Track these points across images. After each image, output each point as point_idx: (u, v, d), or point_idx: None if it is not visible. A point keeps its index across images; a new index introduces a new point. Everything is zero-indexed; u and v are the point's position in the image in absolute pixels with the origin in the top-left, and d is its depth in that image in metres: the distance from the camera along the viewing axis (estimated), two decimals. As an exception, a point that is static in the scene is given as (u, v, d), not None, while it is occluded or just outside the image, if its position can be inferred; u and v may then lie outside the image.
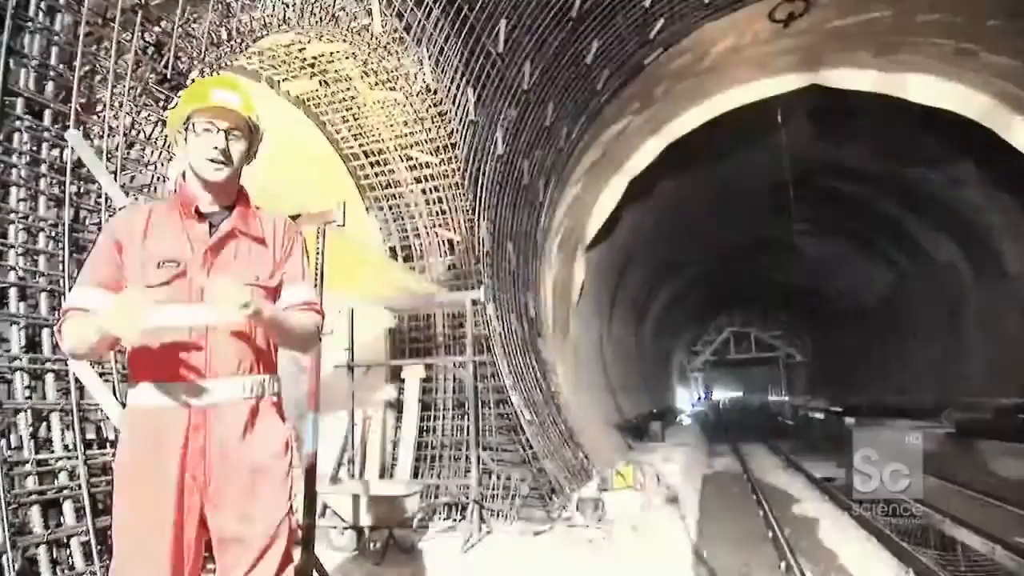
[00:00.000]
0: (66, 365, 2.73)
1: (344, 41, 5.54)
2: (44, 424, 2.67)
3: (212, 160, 1.67)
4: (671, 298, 24.53)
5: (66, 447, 2.68)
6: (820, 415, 23.79)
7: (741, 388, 47.99)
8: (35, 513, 2.48)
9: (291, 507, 1.73)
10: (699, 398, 41.82)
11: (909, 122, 11.38)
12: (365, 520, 5.14)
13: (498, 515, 6.33)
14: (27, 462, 2.52)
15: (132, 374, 1.68)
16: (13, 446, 2.53)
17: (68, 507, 2.60)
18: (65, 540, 2.55)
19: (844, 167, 14.58)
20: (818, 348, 31.91)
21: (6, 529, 2.31)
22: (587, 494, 6.68)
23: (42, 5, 2.84)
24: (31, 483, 2.52)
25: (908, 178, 13.89)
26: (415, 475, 6.88)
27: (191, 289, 1.65)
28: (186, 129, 1.71)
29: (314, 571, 3.72)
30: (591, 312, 14.22)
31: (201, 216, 1.72)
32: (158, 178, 3.51)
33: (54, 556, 2.50)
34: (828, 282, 23.59)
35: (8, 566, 2.28)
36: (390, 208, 7.37)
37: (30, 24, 2.76)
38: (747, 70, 10.79)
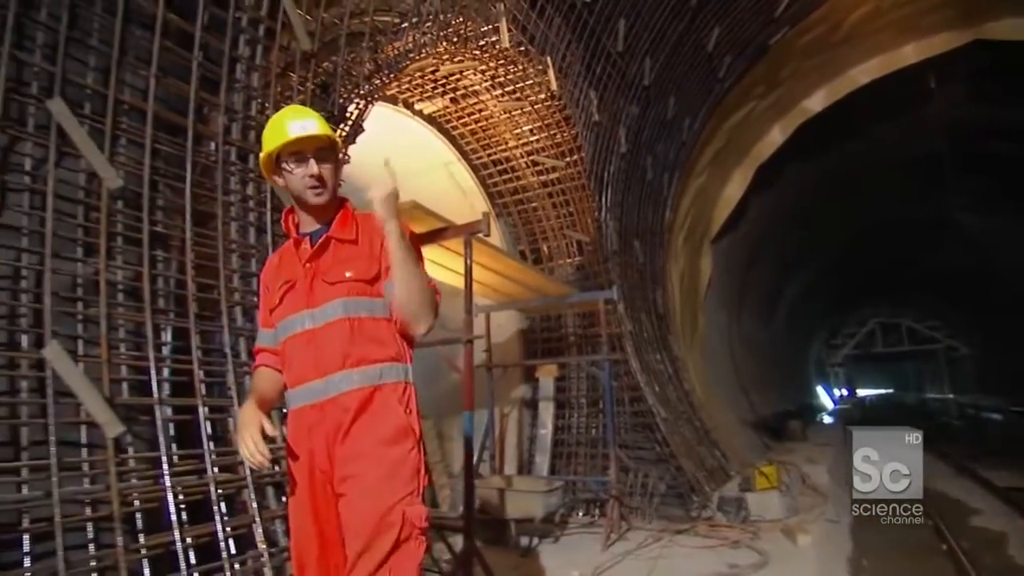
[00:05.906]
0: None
1: (473, 59, 5.87)
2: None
3: (311, 187, 1.82)
4: (805, 288, 22.82)
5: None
6: (996, 415, 20.95)
7: (891, 384, 43.54)
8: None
9: (406, 496, 1.70)
10: (841, 395, 38.52)
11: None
12: (511, 513, 5.40)
13: (637, 512, 6.37)
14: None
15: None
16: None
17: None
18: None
19: (1008, 129, 12.73)
20: (988, 339, 28.00)
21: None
22: (728, 493, 6.50)
23: (240, 67, 3.38)
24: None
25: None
26: (551, 471, 7.09)
27: (299, 298, 1.84)
28: (280, 168, 1.85)
29: (474, 559, 4.04)
30: (719, 306, 13.67)
31: (306, 236, 1.90)
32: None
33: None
34: (996, 262, 20.66)
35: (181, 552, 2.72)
36: (519, 213, 7.64)
37: (237, 84, 3.31)
38: (890, 35, 9.84)
